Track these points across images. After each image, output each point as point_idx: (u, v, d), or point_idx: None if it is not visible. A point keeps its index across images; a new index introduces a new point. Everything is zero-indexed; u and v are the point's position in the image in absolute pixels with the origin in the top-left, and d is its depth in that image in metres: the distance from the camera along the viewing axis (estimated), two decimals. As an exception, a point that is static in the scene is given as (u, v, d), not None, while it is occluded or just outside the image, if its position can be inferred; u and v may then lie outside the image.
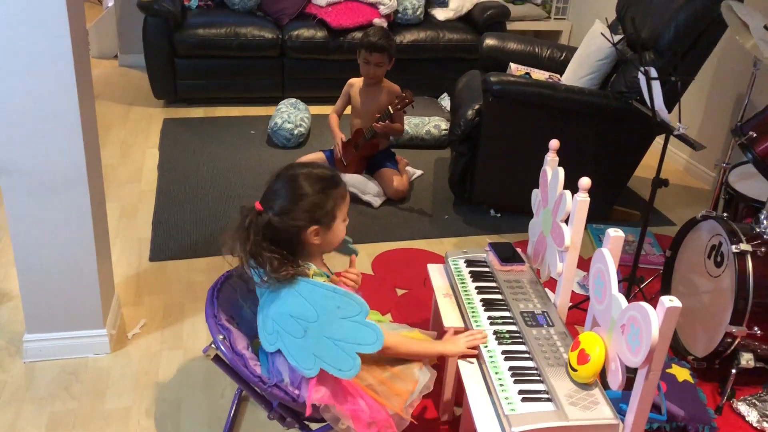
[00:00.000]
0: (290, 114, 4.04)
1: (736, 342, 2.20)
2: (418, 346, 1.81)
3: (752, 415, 2.18)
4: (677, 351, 2.44)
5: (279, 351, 1.66)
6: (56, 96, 1.91)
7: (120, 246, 2.93)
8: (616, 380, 1.57)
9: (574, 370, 1.65)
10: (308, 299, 1.63)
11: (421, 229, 3.25)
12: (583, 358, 1.63)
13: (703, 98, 3.83)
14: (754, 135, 2.34)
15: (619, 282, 2.55)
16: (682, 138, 2.17)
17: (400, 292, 2.74)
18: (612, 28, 3.59)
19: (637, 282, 2.51)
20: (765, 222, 2.27)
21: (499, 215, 3.39)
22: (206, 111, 4.50)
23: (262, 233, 1.65)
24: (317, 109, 4.41)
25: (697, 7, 2.86)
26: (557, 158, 2.07)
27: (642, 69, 2.22)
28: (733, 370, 2.24)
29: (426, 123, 4.13)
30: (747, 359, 2.22)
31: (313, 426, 1.78)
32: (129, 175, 3.57)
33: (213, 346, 1.65)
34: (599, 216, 3.36)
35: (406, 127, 4.05)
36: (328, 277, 1.78)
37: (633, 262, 2.49)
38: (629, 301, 2.55)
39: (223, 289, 1.82)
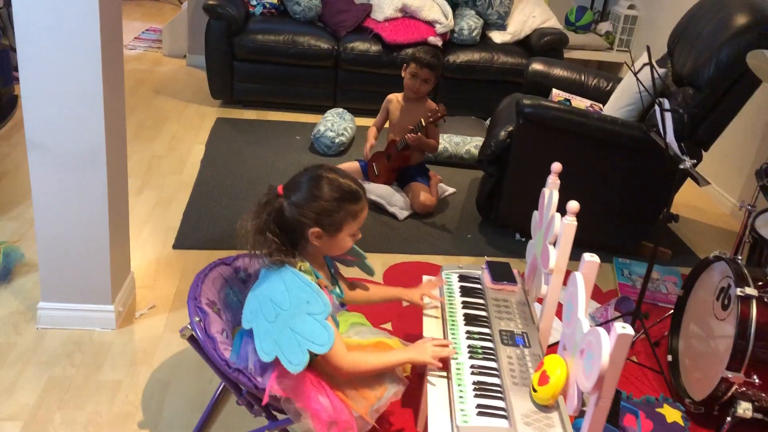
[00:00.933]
0: (334, 123, 4.13)
1: (733, 389, 2.12)
2: (380, 361, 1.78)
3: (743, 467, 2.09)
4: (677, 392, 2.36)
5: (251, 338, 1.73)
6: (83, 81, 2.05)
7: (148, 231, 3.07)
8: (572, 405, 1.54)
9: (535, 391, 1.64)
10: (288, 287, 1.69)
11: (441, 245, 3.26)
12: (544, 379, 1.62)
13: (738, 137, 3.70)
14: (777, 178, 2.26)
15: (622, 316, 2.52)
16: (688, 172, 2.12)
17: (405, 303, 2.75)
18: (662, 61, 3.53)
19: (640, 317, 2.45)
20: (779, 268, 2.19)
21: (524, 239, 3.37)
22: (259, 114, 4.66)
23: (273, 216, 1.73)
24: (365, 121, 4.49)
25: (741, 45, 2.78)
26: (558, 181, 2.06)
27: (657, 100, 2.18)
28: (728, 418, 2.15)
29: (467, 142, 4.15)
30: (744, 408, 2.12)
31: (281, 417, 1.83)
32: (172, 167, 3.73)
33: (189, 326, 1.73)
34: (627, 250, 3.29)
35: (446, 144, 4.09)
36: (317, 278, 1.80)
37: (638, 298, 2.43)
38: (635, 338, 2.51)
39: (210, 275, 1.90)
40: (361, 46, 4.58)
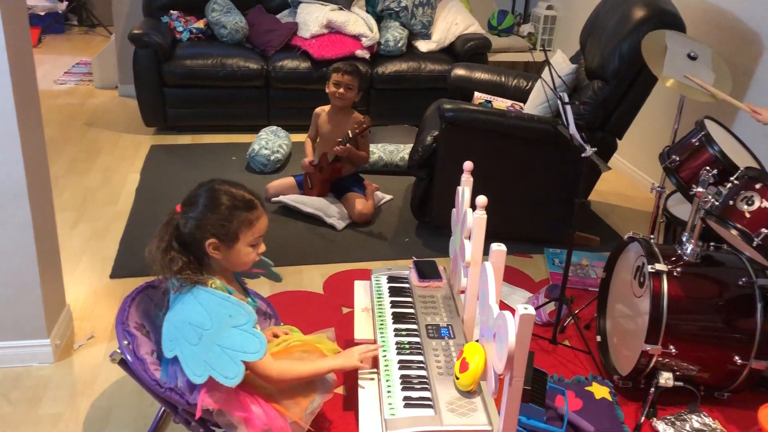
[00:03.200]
0: (268, 141, 4.19)
1: (654, 361, 2.24)
2: (309, 369, 1.84)
3: (668, 434, 2.20)
4: (606, 370, 2.47)
5: (176, 360, 1.76)
6: (-3, 118, 2.07)
7: (85, 263, 3.07)
8: (490, 387, 1.63)
9: (458, 378, 1.72)
10: (205, 307, 1.73)
11: (379, 251, 3.34)
12: (464, 366, 1.70)
13: (656, 122, 3.89)
14: (678, 159, 2.40)
15: (551, 302, 2.62)
16: (590, 160, 2.24)
17: (345, 310, 2.82)
18: (576, 57, 3.69)
19: (567, 302, 2.56)
20: (686, 243, 2.32)
21: (459, 239, 3.46)
22: (193, 138, 4.68)
23: (175, 234, 1.78)
24: (300, 137, 4.54)
25: (640, 36, 2.93)
26: (471, 179, 2.16)
27: (558, 95, 2.30)
28: (652, 389, 2.27)
29: (401, 150, 4.24)
30: (665, 378, 2.25)
31: (218, 431, 1.87)
32: (107, 198, 3.73)
33: (118, 350, 1.76)
34: (557, 240, 3.42)
35: (380, 153, 4.18)
36: (230, 293, 1.82)
37: (562, 284, 2.54)
38: (561, 323, 2.62)
39: (138, 298, 1.93)
40: (290, 64, 4.65)
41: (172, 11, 4.89)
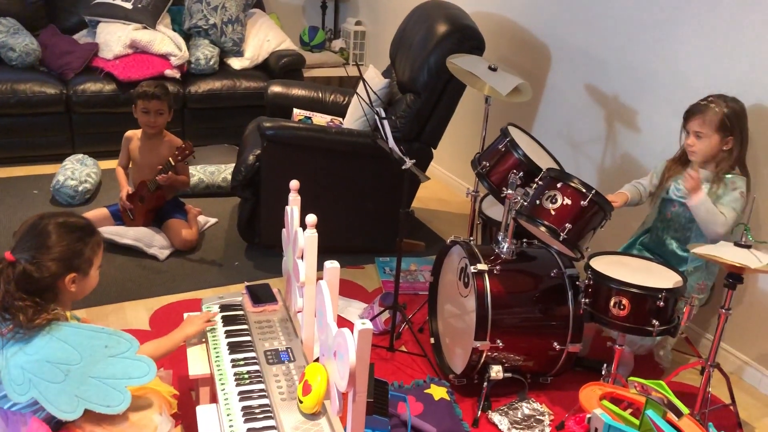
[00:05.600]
0: (74, 170, 3.89)
1: (484, 356, 2.37)
2: (168, 343, 1.97)
3: (503, 424, 2.34)
4: (442, 370, 2.58)
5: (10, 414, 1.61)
6: None
7: None
8: (334, 406, 1.62)
9: (301, 402, 1.70)
10: (70, 342, 1.64)
11: (209, 278, 3.22)
12: (306, 389, 1.68)
13: (468, 130, 4.16)
14: (487, 165, 2.56)
15: (385, 310, 2.68)
16: (410, 171, 2.34)
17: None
18: (388, 71, 3.82)
19: (400, 309, 2.63)
20: (502, 242, 2.48)
21: (289, 257, 3.44)
22: (-14, 173, 4.22)
23: (15, 283, 1.65)
24: (110, 164, 4.26)
25: (444, 50, 3.11)
26: (299, 197, 2.14)
27: (374, 110, 2.37)
28: (485, 383, 2.40)
29: (222, 170, 4.13)
30: (496, 371, 2.38)
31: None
32: None
33: None
34: (386, 249, 3.51)
35: (201, 175, 4.05)
36: (78, 320, 1.79)
37: (395, 291, 2.61)
38: (396, 329, 2.68)
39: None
40: (92, 87, 4.35)
41: (-53, 33, 4.39)
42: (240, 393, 1.78)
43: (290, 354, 1.94)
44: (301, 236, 1.96)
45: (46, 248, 1.69)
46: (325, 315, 1.69)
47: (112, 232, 3.37)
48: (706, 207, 2.38)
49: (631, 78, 3.05)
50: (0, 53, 4.38)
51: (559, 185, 2.30)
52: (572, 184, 2.28)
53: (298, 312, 2.07)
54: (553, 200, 2.27)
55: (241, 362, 1.91)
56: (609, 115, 3.21)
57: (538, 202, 2.32)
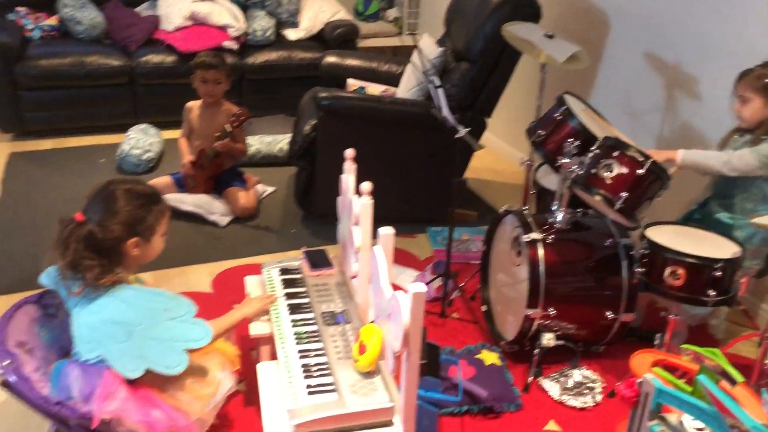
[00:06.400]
0: (138, 140, 4.03)
1: (536, 323, 2.39)
2: (227, 322, 1.99)
3: (554, 390, 2.37)
4: (493, 337, 2.61)
5: (73, 367, 1.71)
6: None
7: (-54, 285, 2.84)
8: (388, 366, 1.69)
9: (357, 361, 1.77)
10: (133, 304, 1.73)
11: (267, 244, 3.32)
12: (362, 349, 1.75)
13: (522, 99, 4.11)
14: (543, 133, 2.55)
15: (437, 278, 2.72)
16: (464, 140, 2.35)
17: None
18: (443, 39, 3.81)
19: (452, 276, 2.67)
20: (557, 212, 2.48)
21: (344, 225, 3.51)
22: (56, 142, 4.41)
23: (84, 243, 1.74)
24: (172, 134, 4.39)
25: (500, 17, 3.08)
26: (354, 166, 2.19)
27: (428, 79, 2.39)
28: (536, 350, 2.42)
29: (279, 141, 4.21)
30: (548, 338, 2.41)
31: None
32: (-35, 213, 3.46)
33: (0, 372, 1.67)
34: (438, 219, 3.54)
35: (258, 146, 4.14)
36: (142, 284, 1.89)
37: (447, 259, 2.64)
38: (448, 297, 2.72)
39: (15, 316, 1.83)
40: (155, 58, 4.48)
41: (18, 8, 4.56)
42: (299, 351, 1.86)
43: (346, 316, 2.01)
44: (356, 203, 2.01)
45: (112, 212, 1.78)
46: (380, 279, 1.75)
47: (174, 198, 3.49)
48: (693, 157, 2.42)
49: (694, 44, 2.97)
50: (68, 26, 4.54)
51: (615, 154, 2.28)
52: (629, 153, 2.26)
53: (353, 277, 2.13)
54: (609, 169, 2.26)
55: (300, 323, 1.99)
56: (669, 83, 3.13)
57: (593, 170, 2.31)
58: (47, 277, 1.84)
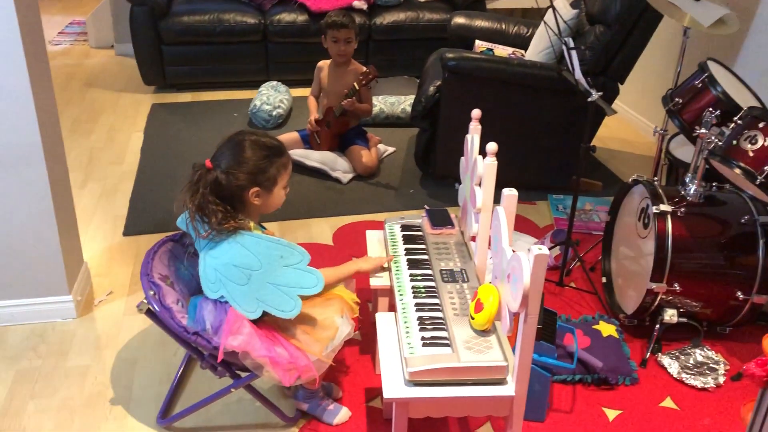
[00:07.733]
0: (269, 96, 4.19)
1: (659, 298, 2.31)
2: (340, 272, 2.04)
3: (673, 367, 2.29)
4: (612, 309, 2.55)
5: (206, 302, 1.84)
6: (10, 81, 2.09)
7: (97, 222, 3.12)
8: (505, 326, 1.70)
9: (473, 318, 1.79)
10: (251, 250, 1.82)
11: (386, 202, 3.39)
12: (479, 307, 1.77)
13: (656, 67, 3.90)
14: (680, 102, 2.43)
15: (556, 246, 2.69)
16: (595, 104, 2.27)
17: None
18: (576, 2, 3.67)
19: (573, 245, 2.62)
20: (690, 184, 2.37)
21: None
22: (194, 96, 4.68)
23: (210, 188, 1.84)
24: (301, 92, 4.56)
25: (642, -21, 2.93)
26: (479, 126, 2.18)
27: (563, 40, 2.32)
28: (657, 325, 2.35)
29: (402, 102, 4.25)
30: (670, 315, 2.33)
31: (243, 375, 1.94)
32: (113, 157, 3.76)
33: (145, 301, 1.83)
34: (560, 186, 3.46)
35: (381, 106, 4.19)
36: (263, 230, 1.96)
37: (568, 228, 2.59)
38: (567, 266, 2.68)
39: (160, 251, 1.99)
40: (287, 17, 4.62)
41: (165, -34, 4.83)
42: (416, 305, 1.91)
43: (464, 275, 2.03)
44: (480, 163, 2.01)
45: (238, 161, 1.86)
46: (501, 240, 1.75)
47: (300, 154, 3.63)
48: None
49: None
50: (208, -15, 4.76)
51: (761, 125, 2.13)
52: (776, 125, 2.11)
53: (473, 238, 2.14)
54: (753, 141, 2.12)
55: (419, 277, 2.03)
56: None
57: (735, 142, 2.17)
58: (182, 221, 1.96)
